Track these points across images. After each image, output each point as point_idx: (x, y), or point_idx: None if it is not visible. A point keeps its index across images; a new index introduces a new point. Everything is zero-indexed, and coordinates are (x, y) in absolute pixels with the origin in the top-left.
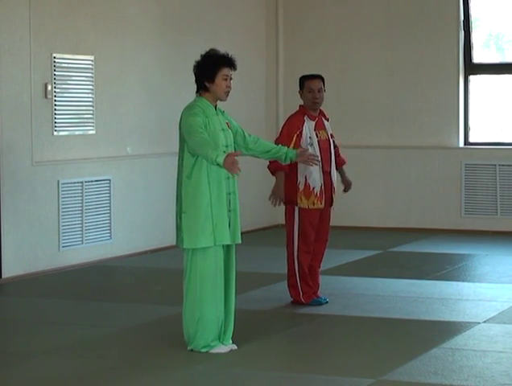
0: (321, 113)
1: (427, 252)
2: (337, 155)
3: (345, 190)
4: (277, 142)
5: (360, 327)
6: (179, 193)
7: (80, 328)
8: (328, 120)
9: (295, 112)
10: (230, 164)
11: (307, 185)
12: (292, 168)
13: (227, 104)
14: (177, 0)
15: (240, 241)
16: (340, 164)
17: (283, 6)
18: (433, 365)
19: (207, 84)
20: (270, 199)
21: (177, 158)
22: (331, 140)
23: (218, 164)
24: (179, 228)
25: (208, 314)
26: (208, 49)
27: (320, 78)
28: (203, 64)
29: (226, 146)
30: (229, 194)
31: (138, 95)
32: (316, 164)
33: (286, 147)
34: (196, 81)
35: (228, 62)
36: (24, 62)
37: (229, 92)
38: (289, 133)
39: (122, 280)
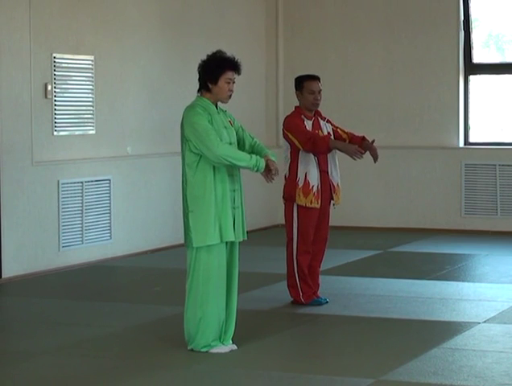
0: (317, 113)
1: (427, 252)
2: (352, 137)
3: (374, 158)
4: (298, 137)
5: (360, 327)
6: (184, 192)
7: (80, 328)
8: (324, 119)
9: (292, 113)
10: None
11: (306, 182)
12: (293, 164)
13: (227, 104)
14: (177, 0)
15: (244, 238)
16: (358, 140)
17: (283, 5)
18: (433, 365)
19: (209, 85)
20: (354, 157)
21: (178, 157)
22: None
23: (258, 170)
24: (187, 228)
25: (210, 314)
26: (207, 48)
27: (319, 79)
28: (208, 65)
29: (230, 144)
30: (234, 191)
31: (138, 95)
32: (270, 181)
33: (270, 155)
34: (199, 80)
35: (233, 66)
36: (24, 62)
37: (231, 95)
38: (299, 123)
39: (122, 280)
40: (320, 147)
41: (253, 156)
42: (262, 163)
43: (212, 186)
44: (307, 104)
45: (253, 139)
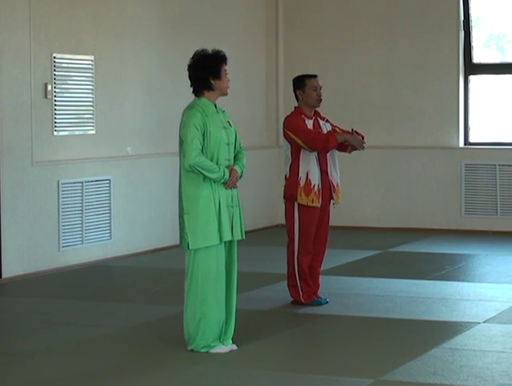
0: (316, 113)
1: (427, 252)
2: (344, 132)
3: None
4: (300, 136)
5: (360, 327)
6: (180, 193)
7: (80, 328)
8: (323, 119)
9: (292, 113)
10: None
11: (307, 181)
12: (294, 164)
13: (227, 104)
14: (177, 0)
15: (243, 237)
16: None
17: (283, 4)
18: (433, 365)
19: (213, 82)
20: (355, 149)
21: (178, 157)
22: None
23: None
24: (182, 230)
25: (210, 315)
26: (207, 48)
27: (318, 77)
28: (207, 63)
29: (228, 144)
30: (231, 190)
31: (138, 95)
32: (233, 187)
33: (237, 167)
34: (196, 82)
35: (226, 58)
36: (24, 62)
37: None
38: (300, 122)
39: (122, 280)
40: (330, 142)
41: (222, 169)
42: (227, 174)
43: (208, 187)
44: (310, 101)
45: (240, 148)
